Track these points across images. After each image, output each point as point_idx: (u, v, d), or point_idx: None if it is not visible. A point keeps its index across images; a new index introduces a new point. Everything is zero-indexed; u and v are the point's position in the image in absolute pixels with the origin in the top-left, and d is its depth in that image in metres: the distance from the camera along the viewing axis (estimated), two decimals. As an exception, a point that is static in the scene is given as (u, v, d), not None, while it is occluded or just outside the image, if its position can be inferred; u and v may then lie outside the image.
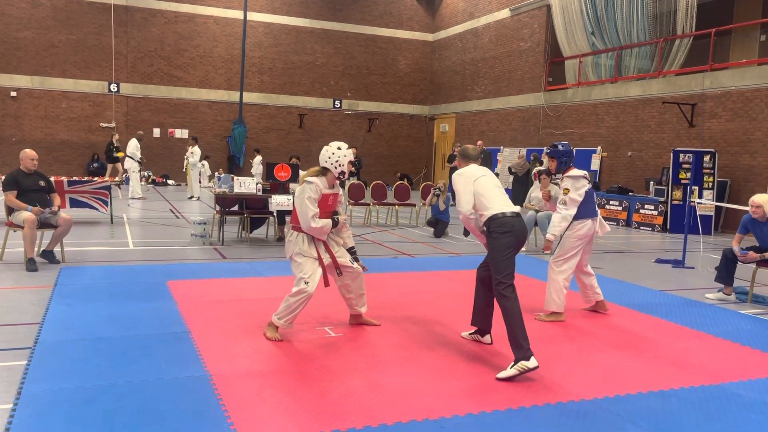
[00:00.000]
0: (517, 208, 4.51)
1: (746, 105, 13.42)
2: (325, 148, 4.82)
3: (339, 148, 4.80)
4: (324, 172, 4.81)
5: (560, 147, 5.67)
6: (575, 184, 5.58)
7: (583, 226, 5.59)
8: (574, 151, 5.66)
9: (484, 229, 4.50)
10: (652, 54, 16.43)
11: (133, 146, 16.39)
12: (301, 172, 10.02)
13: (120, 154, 18.11)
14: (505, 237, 4.34)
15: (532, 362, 4.01)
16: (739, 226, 6.82)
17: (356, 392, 3.73)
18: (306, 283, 4.64)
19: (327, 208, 4.84)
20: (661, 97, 15.25)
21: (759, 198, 6.60)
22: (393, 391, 3.77)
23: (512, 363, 4.06)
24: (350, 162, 4.87)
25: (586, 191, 5.58)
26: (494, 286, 4.33)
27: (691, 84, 14.67)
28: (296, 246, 4.81)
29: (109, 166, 18.68)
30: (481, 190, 4.50)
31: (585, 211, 5.59)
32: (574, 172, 5.66)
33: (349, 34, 25.24)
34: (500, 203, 4.47)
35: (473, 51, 23.50)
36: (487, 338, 4.82)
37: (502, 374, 4.03)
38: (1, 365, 4.00)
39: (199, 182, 18.34)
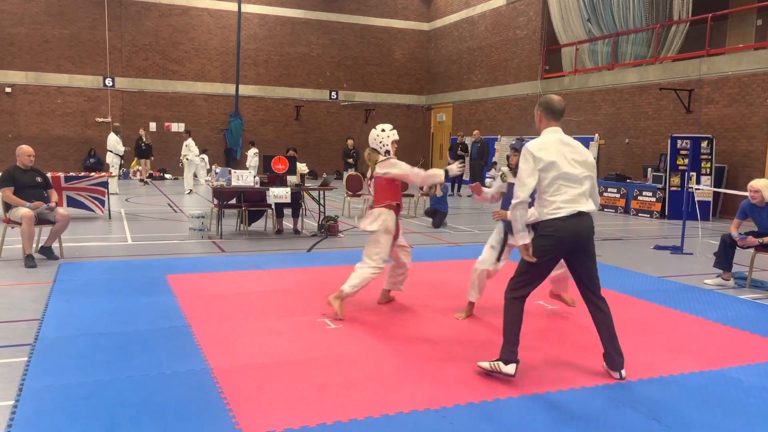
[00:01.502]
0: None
1: (743, 90, 13.40)
2: (372, 131, 5.35)
3: (383, 130, 5.32)
4: (375, 152, 5.32)
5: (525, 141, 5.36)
6: None
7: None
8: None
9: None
10: (648, 40, 16.38)
11: (114, 141, 16.35)
12: (300, 166, 10.03)
13: (126, 148, 18.20)
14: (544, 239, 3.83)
15: (509, 368, 3.79)
16: (738, 212, 6.83)
17: (357, 383, 3.74)
18: (384, 261, 5.17)
19: (389, 184, 5.26)
20: (658, 83, 15.23)
21: (757, 183, 6.60)
22: (394, 381, 3.78)
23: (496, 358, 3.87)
24: (394, 141, 5.33)
25: None
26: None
27: (688, 70, 14.64)
28: (386, 223, 5.19)
29: (142, 162, 18.93)
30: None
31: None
32: None
33: (344, 24, 25.12)
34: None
35: (469, 40, 23.41)
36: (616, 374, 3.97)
37: (481, 363, 3.92)
38: (2, 362, 4.00)
39: (194, 176, 18.28)
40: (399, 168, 5.24)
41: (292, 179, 9.77)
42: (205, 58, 23.30)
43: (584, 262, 3.90)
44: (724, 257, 6.78)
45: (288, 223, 10.27)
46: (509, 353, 3.82)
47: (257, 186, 9.35)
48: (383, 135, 5.30)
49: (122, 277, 6.45)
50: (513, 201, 3.81)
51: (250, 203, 9.80)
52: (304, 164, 10.74)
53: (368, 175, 5.57)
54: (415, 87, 26.68)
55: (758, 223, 6.70)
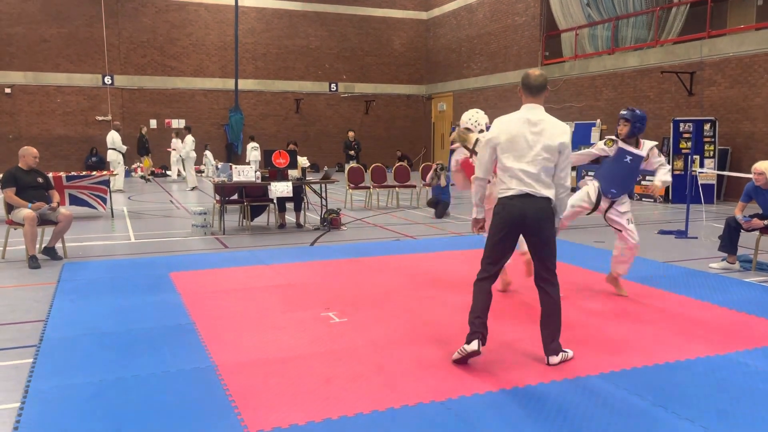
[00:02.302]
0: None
1: (745, 71, 13.30)
2: (465, 113, 5.54)
3: (477, 112, 5.54)
4: (469, 131, 5.42)
5: (638, 112, 5.37)
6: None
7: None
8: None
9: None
10: (648, 23, 16.26)
11: (118, 139, 16.30)
12: (301, 159, 10.01)
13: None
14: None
15: (471, 345, 3.80)
16: (742, 194, 6.79)
17: (362, 376, 3.74)
18: None
19: None
20: (660, 66, 15.12)
21: (762, 165, 6.56)
22: (399, 374, 3.77)
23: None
24: (487, 123, 5.36)
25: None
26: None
27: (689, 52, 14.53)
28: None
29: (145, 158, 18.95)
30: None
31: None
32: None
33: (342, 15, 25.00)
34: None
35: (468, 28, 23.28)
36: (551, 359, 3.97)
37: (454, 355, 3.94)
38: (8, 364, 4.01)
39: (180, 172, 18.37)
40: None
41: (294, 173, 9.75)
42: (204, 53, 23.24)
43: (535, 243, 3.88)
44: (729, 241, 6.75)
45: (290, 217, 10.26)
46: (469, 334, 3.84)
47: (258, 181, 9.33)
48: (478, 116, 5.50)
49: (126, 275, 6.45)
50: (473, 176, 4.14)
51: (252, 198, 9.79)
52: (305, 158, 10.72)
53: (467, 153, 5.47)
54: (415, 77, 26.57)
55: (763, 206, 6.66)
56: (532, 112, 3.87)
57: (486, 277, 3.94)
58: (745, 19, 15.68)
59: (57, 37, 21.30)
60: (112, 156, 16.32)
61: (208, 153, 21.05)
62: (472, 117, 5.50)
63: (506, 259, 4.03)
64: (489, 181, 4.47)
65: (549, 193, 3.83)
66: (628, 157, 5.37)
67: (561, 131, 3.85)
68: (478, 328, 3.84)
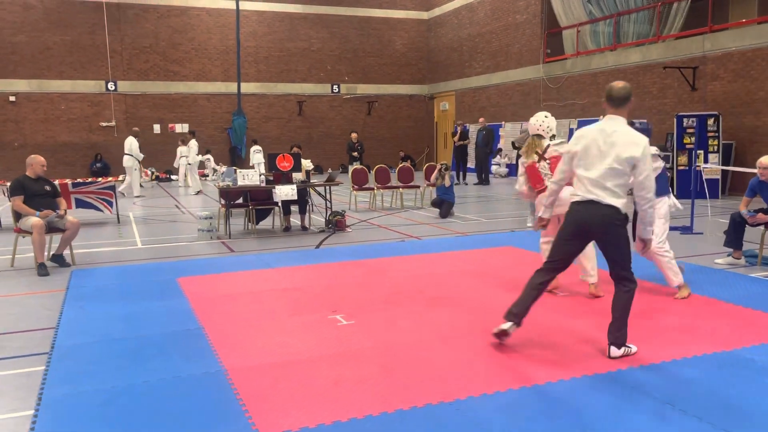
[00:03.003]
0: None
1: (748, 65, 13.28)
2: (533, 119, 5.60)
3: (546, 117, 5.58)
4: (540, 138, 5.53)
5: (637, 124, 5.58)
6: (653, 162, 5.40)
7: (663, 204, 5.49)
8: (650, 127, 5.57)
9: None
10: (650, 19, 16.24)
11: (135, 145, 16.30)
12: (304, 162, 10.04)
13: None
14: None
15: (504, 325, 4.15)
16: (747, 189, 6.79)
17: (370, 378, 3.77)
18: None
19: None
20: (662, 62, 15.10)
21: (766, 159, 6.56)
22: (407, 376, 3.80)
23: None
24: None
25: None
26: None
27: (692, 47, 14.51)
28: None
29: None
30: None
31: (660, 189, 5.45)
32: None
33: (342, 17, 25.04)
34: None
35: (469, 27, 23.28)
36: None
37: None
38: (21, 371, 4.06)
39: (185, 176, 18.33)
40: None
41: (298, 176, 9.79)
42: (206, 57, 23.31)
43: (603, 248, 4.05)
44: (735, 236, 6.75)
45: (295, 220, 10.30)
46: (509, 314, 4.18)
47: (263, 185, 9.37)
48: (548, 121, 5.56)
49: (134, 281, 6.49)
50: (550, 179, 4.38)
51: (257, 202, 9.83)
52: (308, 160, 10.75)
53: (536, 159, 5.54)
54: (417, 77, 26.59)
55: (767, 200, 6.65)
56: (610, 122, 4.00)
57: (542, 269, 4.22)
58: (747, 13, 15.65)
59: (60, 44, 21.41)
60: (127, 162, 16.23)
61: (210, 157, 21.08)
62: (543, 123, 5.56)
63: (567, 260, 4.19)
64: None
65: (616, 201, 3.91)
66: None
67: (633, 143, 3.89)
68: (514, 312, 4.15)
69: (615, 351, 4.00)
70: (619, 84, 4.10)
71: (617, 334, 4.01)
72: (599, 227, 3.96)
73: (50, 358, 4.26)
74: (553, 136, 5.57)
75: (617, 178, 3.90)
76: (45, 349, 4.46)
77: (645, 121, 5.79)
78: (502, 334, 4.18)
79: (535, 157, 5.49)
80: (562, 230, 4.15)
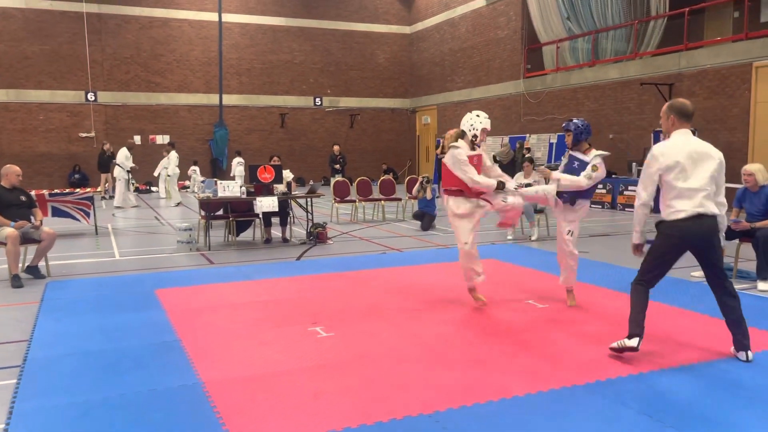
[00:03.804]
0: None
1: (722, 82, 13.56)
2: (467, 115, 5.51)
3: (478, 115, 5.47)
4: (462, 134, 5.46)
5: (575, 121, 5.60)
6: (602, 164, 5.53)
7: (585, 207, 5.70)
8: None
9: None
10: (627, 36, 16.53)
11: (123, 156, 16.25)
12: (285, 173, 10.02)
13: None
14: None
15: (632, 342, 4.12)
16: (734, 200, 6.91)
17: (350, 390, 3.74)
18: (465, 243, 5.45)
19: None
20: (639, 78, 15.37)
21: (751, 167, 6.70)
22: (387, 387, 3.79)
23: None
24: (484, 129, 5.45)
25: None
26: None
27: (668, 64, 14.79)
28: (456, 208, 5.46)
29: (102, 176, 18.63)
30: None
31: (588, 193, 5.64)
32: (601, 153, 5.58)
33: (325, 30, 25.14)
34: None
35: (451, 41, 23.51)
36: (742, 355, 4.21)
37: (612, 345, 4.25)
38: (-9, 385, 3.97)
39: (166, 189, 18.21)
40: (454, 159, 5.35)
41: (280, 187, 9.76)
42: (188, 69, 23.23)
43: (710, 257, 4.13)
44: (710, 249, 6.83)
45: (276, 232, 10.25)
46: (634, 328, 4.13)
47: (244, 196, 9.33)
48: (477, 120, 5.45)
49: (111, 293, 6.40)
50: (640, 203, 4.19)
51: (238, 213, 9.77)
52: (288, 170, 10.71)
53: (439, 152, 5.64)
54: (399, 90, 26.74)
55: (750, 209, 6.73)
56: (692, 137, 4.14)
57: (645, 281, 4.21)
58: (722, 32, 15.99)
59: (39, 54, 21.19)
60: (116, 171, 16.27)
61: (196, 169, 20.86)
62: (470, 120, 5.44)
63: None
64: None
65: (716, 210, 4.05)
66: (576, 163, 5.56)
67: (718, 155, 4.11)
68: (640, 328, 4.14)
69: (746, 354, 4.14)
70: (685, 100, 4.31)
71: (748, 341, 4.16)
72: (709, 239, 4.07)
73: (22, 370, 4.17)
74: (474, 137, 5.44)
75: (712, 188, 4.05)
76: (17, 362, 4.37)
77: (582, 119, 5.82)
78: (631, 350, 4.15)
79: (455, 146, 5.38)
80: (664, 248, 4.11)
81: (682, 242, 4.07)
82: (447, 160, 5.42)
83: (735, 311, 4.15)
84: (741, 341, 4.15)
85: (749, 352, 4.14)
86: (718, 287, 4.19)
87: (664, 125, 4.27)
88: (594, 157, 5.46)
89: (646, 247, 4.34)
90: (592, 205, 14.75)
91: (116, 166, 16.27)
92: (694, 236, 4.03)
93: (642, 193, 4.16)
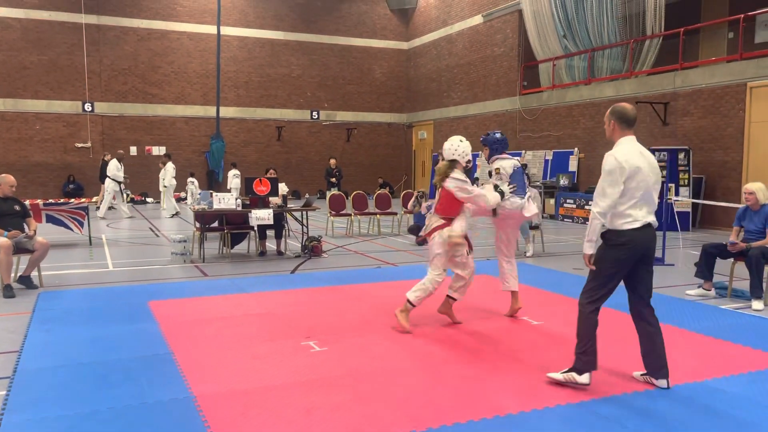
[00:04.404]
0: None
1: (717, 102, 13.66)
2: (448, 144, 5.37)
3: (462, 141, 5.39)
4: (454, 164, 5.35)
5: (491, 135, 5.92)
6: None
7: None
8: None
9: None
10: (623, 55, 16.67)
11: (114, 167, 16.21)
12: (280, 186, 10.01)
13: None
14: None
15: (583, 378, 3.90)
16: (735, 220, 6.93)
17: (343, 406, 3.71)
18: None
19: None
20: (635, 96, 15.47)
21: (752, 185, 6.72)
22: (380, 404, 3.75)
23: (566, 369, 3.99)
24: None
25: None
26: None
27: (663, 83, 14.90)
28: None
29: (102, 186, 18.57)
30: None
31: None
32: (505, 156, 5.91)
33: (323, 45, 25.28)
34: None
35: (448, 58, 23.66)
36: (662, 383, 4.04)
37: (551, 374, 4.03)
38: (-21, 397, 3.92)
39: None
40: (466, 192, 5.36)
41: (275, 200, 9.74)
42: (185, 81, 23.28)
43: (648, 272, 4.03)
44: (705, 267, 6.86)
45: (271, 245, 10.22)
46: (589, 363, 3.89)
47: (239, 208, 9.31)
48: (463, 146, 5.38)
49: (103, 304, 6.35)
50: (597, 210, 3.85)
51: (233, 226, 9.75)
52: (283, 183, 10.70)
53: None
54: (396, 105, 26.85)
55: (749, 228, 6.75)
56: (636, 144, 3.97)
57: (597, 309, 3.96)
58: (716, 52, 16.16)
59: (37, 64, 21.22)
60: (106, 182, 16.25)
61: (194, 180, 20.78)
62: (458, 148, 5.34)
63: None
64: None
65: (654, 220, 3.95)
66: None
67: (657, 164, 4.03)
68: (591, 362, 3.90)
69: (663, 382, 4.01)
70: (629, 105, 4.10)
71: (666, 368, 4.01)
72: (654, 249, 3.98)
73: (12, 382, 4.12)
74: (468, 162, 5.42)
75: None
76: (7, 373, 4.32)
77: (500, 131, 6.09)
78: (581, 386, 3.94)
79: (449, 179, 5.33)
80: (622, 264, 3.89)
81: (634, 253, 3.87)
82: (458, 193, 5.28)
83: (659, 335, 4.02)
84: (666, 366, 4.03)
85: (668, 380, 4.01)
86: (644, 311, 4.06)
87: (606, 131, 4.13)
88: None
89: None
90: (587, 222, 14.76)
91: (108, 179, 16.17)
92: (643, 246, 3.88)
93: (601, 203, 3.83)
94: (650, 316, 4.06)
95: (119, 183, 16.14)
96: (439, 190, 5.41)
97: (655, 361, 4.01)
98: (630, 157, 3.84)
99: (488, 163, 5.95)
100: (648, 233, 3.89)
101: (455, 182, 5.26)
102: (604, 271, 3.92)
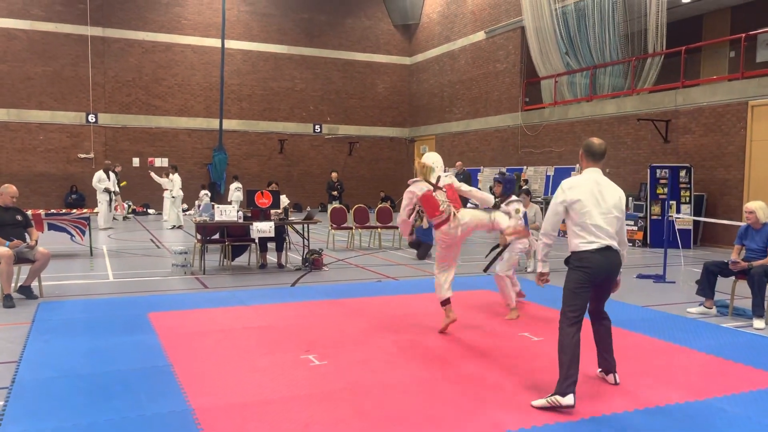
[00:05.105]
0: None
1: (718, 120, 13.70)
2: (426, 158, 5.87)
3: (436, 156, 5.95)
4: (431, 170, 5.82)
5: (507, 176, 6.76)
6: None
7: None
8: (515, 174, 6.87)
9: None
10: (625, 72, 16.75)
11: (96, 179, 16.43)
12: (281, 198, 10.02)
13: (124, 183, 19.05)
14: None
15: (567, 399, 3.87)
16: (736, 238, 6.93)
17: (342, 421, 3.69)
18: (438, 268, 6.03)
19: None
20: (636, 114, 15.53)
21: (752, 204, 6.72)
22: (379, 419, 3.73)
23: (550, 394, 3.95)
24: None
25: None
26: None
27: (665, 101, 14.96)
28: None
29: (118, 198, 18.78)
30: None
31: None
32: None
33: (327, 59, 25.43)
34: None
35: (450, 73, 23.78)
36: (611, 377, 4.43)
37: (535, 402, 3.97)
38: (-23, 407, 3.90)
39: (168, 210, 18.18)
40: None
41: (276, 213, 9.75)
42: (189, 93, 23.41)
43: (606, 290, 4.32)
44: (707, 285, 6.85)
45: (272, 257, 10.21)
46: (570, 384, 3.93)
47: (241, 221, 9.32)
48: (437, 158, 5.93)
49: (103, 315, 6.35)
50: (542, 232, 4.30)
51: (234, 238, 9.75)
52: (284, 195, 10.73)
53: (430, 188, 5.80)
54: (398, 120, 26.95)
55: (750, 247, 6.74)
56: (596, 174, 4.24)
57: (576, 325, 4.06)
58: (718, 71, 16.24)
59: (42, 75, 21.35)
60: (99, 194, 16.39)
61: (208, 193, 20.62)
62: (436, 160, 5.87)
63: (586, 307, 4.25)
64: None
65: (616, 246, 4.16)
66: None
67: (620, 195, 4.24)
68: (573, 384, 3.93)
69: (614, 378, 4.40)
70: (597, 140, 4.33)
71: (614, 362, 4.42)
72: (615, 272, 4.20)
73: (10, 393, 4.11)
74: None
75: (617, 225, 4.16)
76: (5, 383, 4.31)
77: (506, 171, 6.91)
78: (568, 408, 3.89)
79: (427, 187, 5.71)
80: (580, 280, 4.06)
81: (595, 276, 4.09)
82: (463, 187, 5.95)
83: (610, 335, 4.41)
84: (613, 364, 4.41)
85: (616, 375, 4.41)
86: (597, 319, 4.41)
87: (580, 162, 4.41)
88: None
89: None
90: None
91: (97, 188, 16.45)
92: (604, 270, 4.11)
93: (544, 224, 4.28)
94: (603, 319, 4.43)
95: (109, 193, 16.30)
96: (425, 193, 5.73)
97: (601, 358, 4.44)
98: (574, 189, 4.15)
99: (495, 196, 6.70)
100: (607, 256, 4.09)
101: (448, 179, 5.87)
102: (570, 291, 4.13)
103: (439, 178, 5.76)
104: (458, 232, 5.63)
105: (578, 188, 4.15)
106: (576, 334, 4.02)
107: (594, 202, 4.09)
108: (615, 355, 4.47)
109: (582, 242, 4.09)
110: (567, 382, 3.89)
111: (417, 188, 5.75)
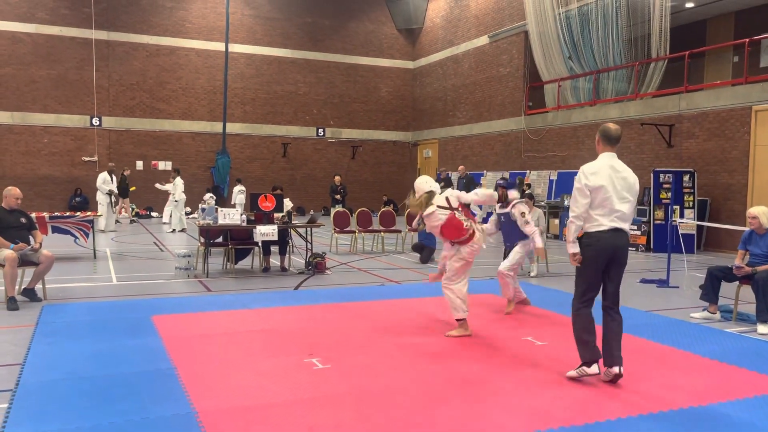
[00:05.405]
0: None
1: (722, 125, 13.69)
2: (420, 181, 6.03)
3: (427, 180, 6.06)
4: (432, 194, 5.92)
5: (514, 181, 7.02)
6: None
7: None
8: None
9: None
10: (628, 77, 16.75)
11: (101, 180, 16.48)
12: (285, 201, 10.04)
13: (133, 189, 19.27)
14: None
15: (592, 369, 4.41)
16: (740, 243, 6.91)
17: (345, 425, 3.69)
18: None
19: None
20: (639, 118, 15.52)
21: (755, 210, 6.71)
22: (383, 423, 3.73)
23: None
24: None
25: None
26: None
27: (668, 105, 14.95)
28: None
29: (120, 201, 18.84)
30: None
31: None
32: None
33: (330, 63, 25.48)
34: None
35: (454, 77, 23.81)
36: (594, 368, 4.52)
37: (569, 373, 4.53)
38: (-19, 409, 3.91)
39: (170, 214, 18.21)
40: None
41: (279, 216, 9.76)
42: (192, 96, 23.47)
43: (618, 272, 4.50)
44: (711, 290, 6.82)
45: (275, 261, 10.22)
46: (592, 354, 4.40)
47: (244, 224, 9.33)
48: (430, 180, 6.10)
49: (107, 318, 6.36)
50: (573, 216, 4.48)
51: (237, 241, 9.76)
52: (287, 199, 10.74)
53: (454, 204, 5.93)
54: (401, 123, 26.98)
55: (754, 252, 6.72)
56: (613, 159, 4.55)
57: (587, 303, 4.49)
58: (721, 75, 16.22)
59: (46, 78, 21.44)
60: (98, 196, 16.42)
61: (213, 196, 20.65)
62: (429, 183, 6.00)
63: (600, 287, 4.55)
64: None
65: (627, 227, 4.49)
66: (503, 217, 7.22)
67: (635, 180, 4.55)
68: (595, 353, 4.41)
69: (618, 369, 4.43)
70: (613, 125, 4.66)
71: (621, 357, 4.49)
72: (623, 250, 4.46)
73: (14, 395, 4.12)
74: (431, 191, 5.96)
75: (631, 207, 4.46)
76: (9, 385, 4.32)
77: (507, 177, 7.18)
78: (592, 375, 4.44)
79: (446, 213, 5.77)
80: (589, 257, 4.39)
81: (603, 251, 4.38)
82: (462, 198, 6.00)
83: (620, 331, 4.53)
84: (620, 359, 4.45)
85: (621, 368, 4.45)
86: (608, 307, 4.55)
87: (596, 147, 4.71)
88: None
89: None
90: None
91: (98, 191, 16.51)
92: (610, 245, 4.38)
93: (576, 209, 4.46)
94: (615, 313, 4.55)
95: (109, 195, 16.37)
96: (450, 216, 5.80)
97: (607, 351, 4.48)
98: (595, 174, 4.42)
99: (499, 200, 7.03)
100: (615, 235, 4.39)
101: (453, 193, 5.92)
102: (581, 269, 4.49)
103: (446, 198, 5.85)
104: (485, 245, 5.87)
105: (599, 174, 4.40)
106: (589, 314, 4.44)
107: (613, 188, 4.37)
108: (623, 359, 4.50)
109: (595, 225, 4.39)
110: (589, 352, 4.39)
111: (441, 214, 5.78)
